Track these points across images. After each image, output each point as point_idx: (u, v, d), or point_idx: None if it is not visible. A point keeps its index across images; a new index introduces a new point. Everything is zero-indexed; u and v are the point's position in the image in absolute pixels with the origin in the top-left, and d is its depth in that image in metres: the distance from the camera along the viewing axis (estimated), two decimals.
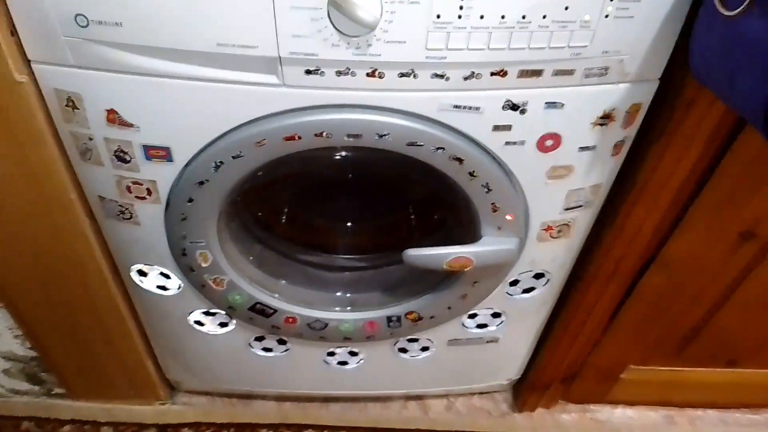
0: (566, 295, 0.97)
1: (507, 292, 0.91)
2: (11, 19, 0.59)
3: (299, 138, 0.65)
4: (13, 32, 0.60)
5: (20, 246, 0.80)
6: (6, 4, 0.58)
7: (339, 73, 0.61)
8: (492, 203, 0.74)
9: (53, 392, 1.13)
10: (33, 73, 0.64)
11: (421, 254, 0.77)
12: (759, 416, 1.25)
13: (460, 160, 0.68)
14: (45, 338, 0.97)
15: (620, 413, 1.23)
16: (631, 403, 1.24)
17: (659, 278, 0.89)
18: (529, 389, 1.17)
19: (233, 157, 0.67)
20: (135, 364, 1.04)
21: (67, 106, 0.66)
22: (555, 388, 1.16)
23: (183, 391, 1.19)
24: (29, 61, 0.63)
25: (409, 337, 0.99)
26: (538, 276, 0.89)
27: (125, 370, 1.05)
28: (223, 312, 0.91)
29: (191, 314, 0.92)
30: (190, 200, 0.72)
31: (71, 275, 0.85)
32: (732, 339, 1.05)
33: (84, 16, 0.57)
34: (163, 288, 0.87)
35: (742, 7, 0.49)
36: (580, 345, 1.03)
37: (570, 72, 0.63)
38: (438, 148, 0.67)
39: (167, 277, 0.85)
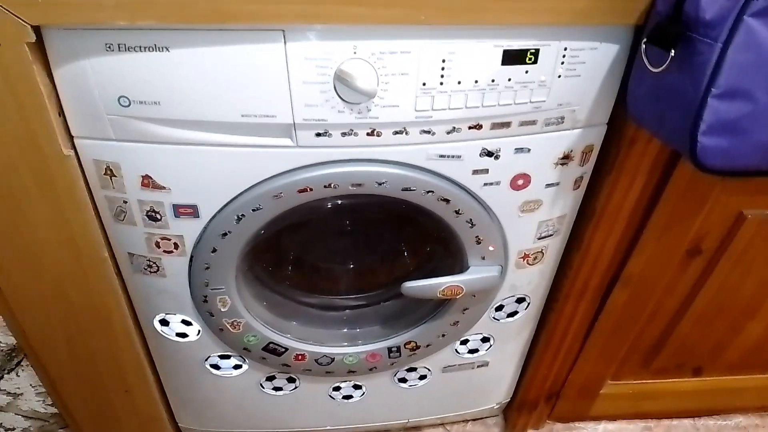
0: (545, 317, 1.08)
1: (493, 317, 1.01)
2: (59, 102, 0.70)
3: (311, 189, 0.76)
4: (60, 113, 0.71)
5: (52, 305, 0.87)
6: (56, 90, 0.69)
7: (344, 134, 0.72)
8: (476, 236, 0.85)
9: None
10: (74, 147, 0.73)
11: (418, 285, 0.88)
12: (729, 421, 1.36)
13: (447, 201, 0.80)
14: (68, 394, 1.02)
15: (603, 428, 1.32)
16: (612, 418, 1.33)
17: (623, 295, 1.00)
18: (517, 411, 1.26)
19: (253, 210, 0.77)
20: (151, 413, 1.10)
21: (105, 174, 0.75)
22: (541, 408, 1.26)
23: None
24: (72, 136, 0.72)
25: (408, 366, 1.08)
26: (520, 300, 1.00)
27: (141, 420, 1.11)
28: (238, 354, 0.99)
29: (208, 359, 1.00)
30: (214, 250, 0.81)
31: (98, 329, 0.92)
32: (694, 348, 1.16)
33: (127, 97, 0.67)
34: (183, 335, 0.95)
35: (665, 65, 0.63)
36: (560, 363, 1.13)
37: (533, 122, 0.76)
38: (428, 192, 0.79)
39: (188, 324, 0.93)
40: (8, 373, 0.98)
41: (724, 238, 0.93)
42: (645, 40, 0.65)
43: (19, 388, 1.03)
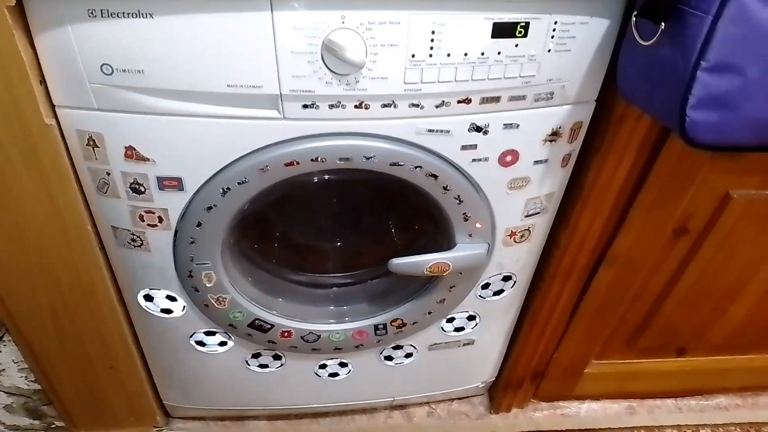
0: (531, 297, 1.08)
1: (480, 295, 1.01)
2: (41, 69, 0.68)
3: (297, 163, 0.75)
4: (42, 81, 0.69)
5: (38, 280, 0.86)
6: (37, 57, 0.67)
7: (331, 106, 0.71)
8: (463, 213, 0.85)
9: (53, 426, 1.16)
10: (56, 117, 0.71)
11: (405, 262, 0.88)
12: (710, 401, 1.38)
13: (435, 177, 0.80)
14: (52, 370, 1.01)
15: (586, 407, 1.34)
16: (595, 397, 1.34)
17: (609, 275, 1.00)
18: (503, 390, 1.27)
19: (239, 183, 0.76)
20: (136, 390, 1.09)
21: (87, 145, 0.74)
22: (526, 387, 1.26)
23: (178, 417, 1.24)
24: (53, 105, 0.71)
25: (394, 344, 1.08)
26: (506, 278, 1.00)
27: (126, 397, 1.10)
28: (224, 330, 0.99)
29: (193, 335, 0.99)
30: (199, 224, 0.80)
31: (83, 304, 0.91)
32: (678, 329, 1.17)
33: (109, 65, 0.66)
34: (168, 311, 0.94)
35: (655, 38, 0.62)
36: (546, 341, 1.14)
37: (522, 97, 0.76)
38: (416, 167, 0.78)
39: (173, 299, 0.92)
40: None
41: (710, 218, 0.94)
42: (636, 13, 0.65)
43: (1, 364, 1.02)
